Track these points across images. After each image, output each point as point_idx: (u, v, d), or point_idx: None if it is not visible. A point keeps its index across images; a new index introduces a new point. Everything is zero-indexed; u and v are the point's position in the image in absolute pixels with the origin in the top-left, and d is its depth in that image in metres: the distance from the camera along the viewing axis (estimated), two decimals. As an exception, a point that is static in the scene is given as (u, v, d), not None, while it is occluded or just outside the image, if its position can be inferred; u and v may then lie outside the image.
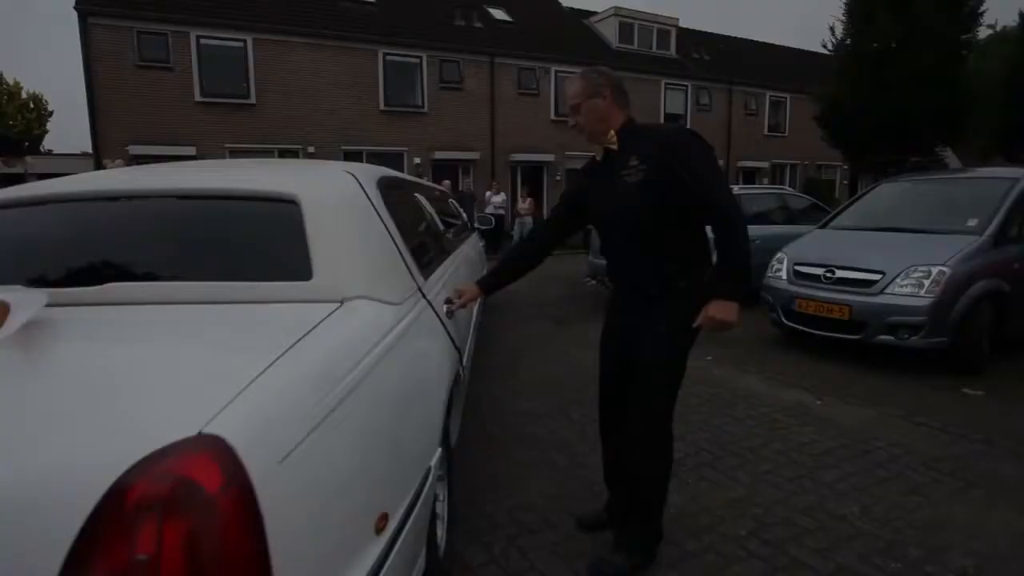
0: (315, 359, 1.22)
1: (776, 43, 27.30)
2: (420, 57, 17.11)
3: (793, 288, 4.98)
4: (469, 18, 18.97)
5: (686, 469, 2.83)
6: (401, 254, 1.96)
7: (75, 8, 13.02)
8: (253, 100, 15.14)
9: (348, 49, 16.10)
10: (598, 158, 2.08)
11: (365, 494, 1.18)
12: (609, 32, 21.50)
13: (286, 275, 1.61)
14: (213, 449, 0.89)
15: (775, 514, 2.46)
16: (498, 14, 19.96)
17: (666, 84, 21.34)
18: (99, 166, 12.87)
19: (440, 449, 1.65)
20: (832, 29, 14.59)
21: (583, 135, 2.04)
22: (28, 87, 22.17)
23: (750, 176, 23.27)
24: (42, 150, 21.99)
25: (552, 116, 18.95)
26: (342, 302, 1.59)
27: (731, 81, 22.54)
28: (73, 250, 1.69)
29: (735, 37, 26.10)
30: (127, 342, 1.33)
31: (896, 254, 4.46)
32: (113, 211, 1.77)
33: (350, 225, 1.77)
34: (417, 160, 17.32)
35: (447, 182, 12.96)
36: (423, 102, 17.32)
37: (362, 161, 16.08)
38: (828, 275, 4.74)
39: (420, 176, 16.24)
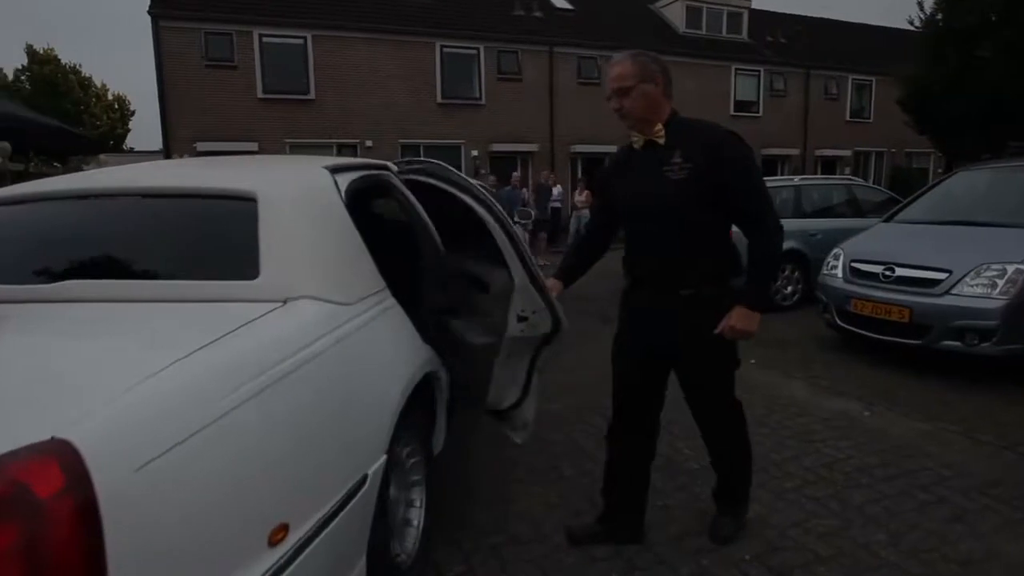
0: (217, 363, 1.19)
1: (859, 22, 25.56)
2: (477, 48, 17.15)
3: (849, 287, 4.61)
4: (528, 7, 18.83)
5: (700, 483, 2.65)
6: (371, 252, 1.92)
7: (148, 12, 13.89)
8: (312, 96, 15.65)
9: (405, 43, 16.35)
10: (636, 146, 2.01)
11: (256, 504, 1.14)
12: (676, 17, 20.78)
13: (234, 274, 1.60)
14: (59, 454, 0.87)
15: (789, 537, 2.26)
16: (558, 2, 19.70)
17: (736, 70, 20.43)
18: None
19: (385, 456, 1.58)
20: (920, 4, 13.50)
21: (627, 121, 1.96)
22: (113, 88, 23.95)
23: (830, 165, 21.94)
24: (124, 148, 23.71)
25: (260, 93, 17.30)
26: (285, 302, 1.56)
27: (809, 64, 21.31)
28: (41, 248, 1.75)
29: (813, 17, 24.62)
30: (40, 341, 1.34)
31: (966, 251, 4.04)
32: (81, 210, 1.82)
33: (306, 223, 1.74)
34: (475, 153, 17.41)
35: (492, 177, 12.90)
36: (480, 94, 17.37)
37: (419, 155, 16.42)
38: (887, 273, 4.35)
39: (478, 169, 16.37)
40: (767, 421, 3.39)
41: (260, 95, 15.19)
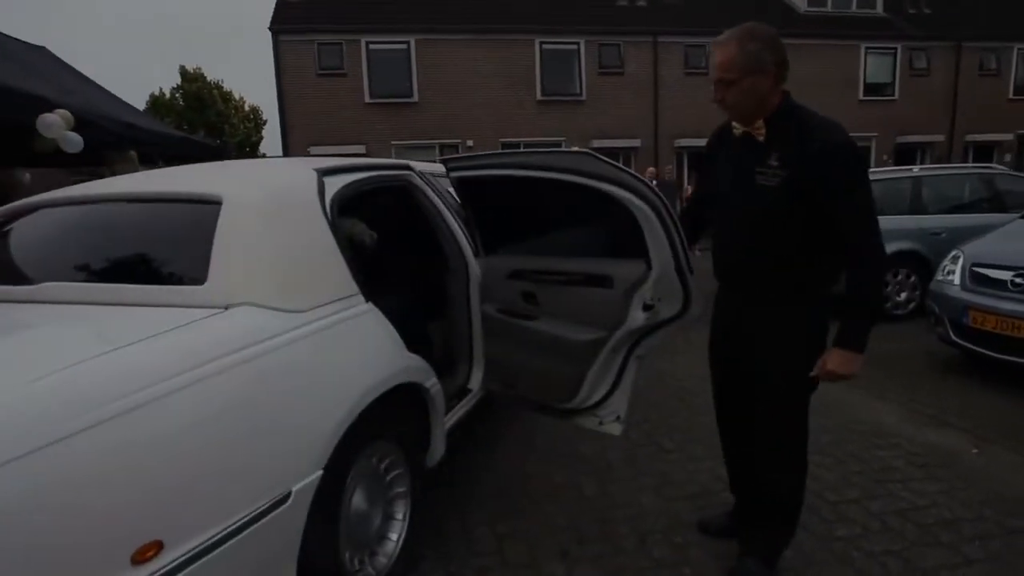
0: (110, 370, 1.17)
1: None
2: (578, 43, 16.92)
3: (967, 296, 3.93)
4: (633, -3, 18.26)
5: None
6: (345, 259, 1.86)
7: (269, 29, 15.10)
8: (416, 99, 16.23)
9: (505, 41, 16.48)
10: (736, 132, 1.82)
11: (119, 517, 1.10)
12: (797, -6, 19.20)
13: (184, 278, 1.61)
14: None
15: (823, 599, 1.92)
16: (665, -11, 18.92)
17: (867, 49, 18.46)
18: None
19: (320, 472, 1.51)
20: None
21: (729, 113, 1.77)
22: (249, 100, 26.48)
23: (985, 152, 19.19)
24: (258, 154, 26.09)
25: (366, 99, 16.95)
26: (226, 308, 1.54)
27: (959, 36, 18.77)
28: (37, 252, 1.88)
29: (970, -18, 21.63)
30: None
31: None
32: (73, 216, 1.94)
33: (266, 227, 1.71)
34: (575, 149, 17.19)
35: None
36: (581, 89, 17.13)
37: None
38: (1017, 281, 3.65)
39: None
40: (834, 450, 2.95)
41: (367, 100, 16.00)
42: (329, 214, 1.95)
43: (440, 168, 2.89)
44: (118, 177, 2.25)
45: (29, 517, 0.99)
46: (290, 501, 1.42)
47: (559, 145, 17.08)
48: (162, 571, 1.13)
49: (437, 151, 16.63)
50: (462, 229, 2.82)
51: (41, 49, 8.43)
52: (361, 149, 15.86)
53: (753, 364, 1.88)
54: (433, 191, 2.83)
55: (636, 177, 2.18)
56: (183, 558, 1.17)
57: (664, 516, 2.42)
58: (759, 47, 1.63)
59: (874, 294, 1.71)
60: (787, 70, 1.69)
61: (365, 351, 1.77)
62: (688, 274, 2.03)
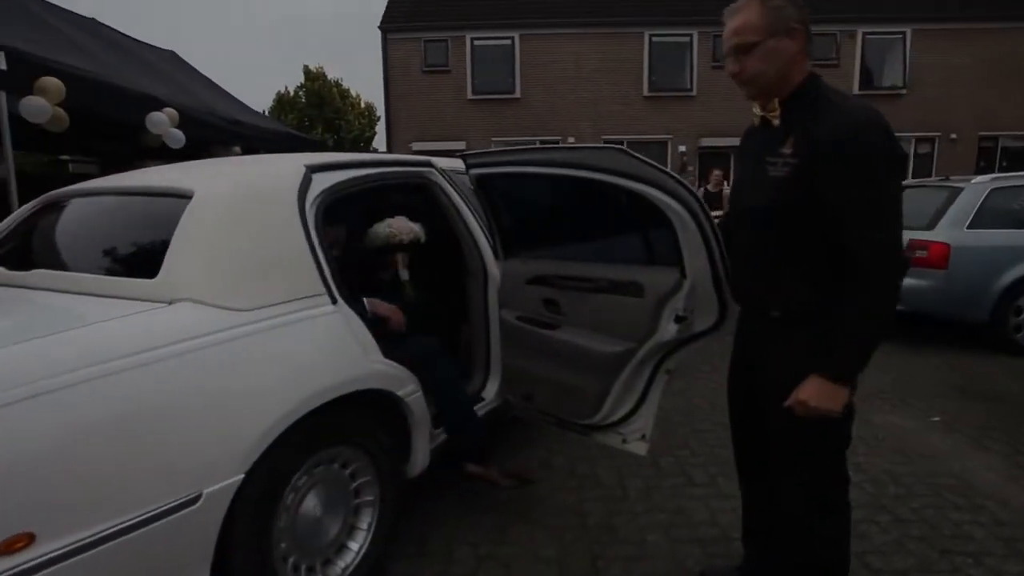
0: (17, 358, 1.23)
1: None
2: (691, 35, 16.22)
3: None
4: (756, -17, 17.15)
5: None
6: (317, 259, 1.85)
7: (379, 27, 15.85)
8: (518, 94, 16.34)
9: (611, 35, 16.15)
10: (755, 121, 1.62)
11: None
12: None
13: (141, 271, 1.65)
14: None
15: None
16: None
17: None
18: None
19: (242, 476, 1.49)
20: None
21: (747, 90, 1.52)
22: (365, 97, 28.03)
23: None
24: (371, 149, 27.54)
25: (856, 89, 16.06)
26: (170, 303, 1.57)
27: None
28: (44, 240, 2.03)
29: None
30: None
31: None
32: (78, 207, 2.08)
33: (228, 223, 1.73)
34: (682, 148, 16.53)
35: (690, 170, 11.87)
36: (692, 84, 16.42)
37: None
38: None
39: (685, 166, 15.45)
40: (896, 505, 2.53)
41: (470, 96, 16.33)
42: (308, 211, 1.95)
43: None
44: (134, 171, 2.40)
45: None
46: (200, 503, 1.41)
47: (665, 144, 16.53)
48: (31, 564, 1.16)
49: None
50: (483, 230, 2.75)
51: (169, 53, 9.39)
52: (461, 145, 16.21)
53: (765, 398, 1.61)
54: (456, 190, 2.77)
55: (674, 178, 2.02)
56: (58, 552, 1.19)
57: (666, 561, 2.20)
58: (783, 3, 1.42)
59: (872, 311, 1.36)
60: (811, 39, 1.47)
61: (313, 354, 1.73)
62: (725, 285, 1.87)
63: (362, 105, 28.24)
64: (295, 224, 1.87)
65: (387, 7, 16.50)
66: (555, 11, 16.25)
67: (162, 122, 6.06)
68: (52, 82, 4.80)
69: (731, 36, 1.48)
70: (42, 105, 4.72)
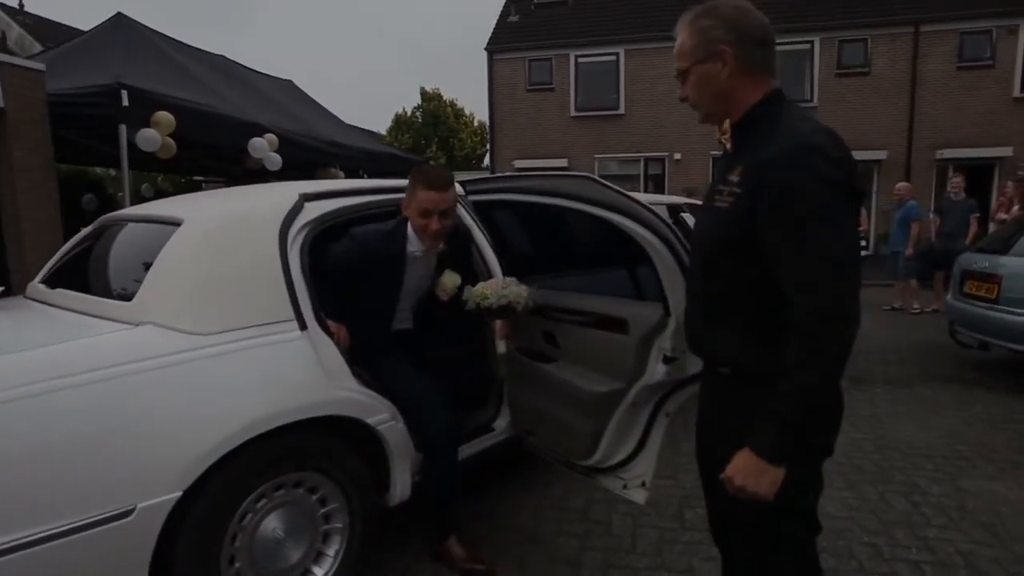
0: None
1: None
2: (811, 41, 15.17)
3: None
4: (892, -19, 15.75)
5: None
6: (290, 285, 1.92)
7: (485, 49, 16.37)
8: (622, 111, 16.12)
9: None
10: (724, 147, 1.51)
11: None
12: None
13: (122, 294, 1.82)
14: None
15: None
16: (938, -33, 15.96)
17: None
18: (492, 179, 15.96)
19: (179, 493, 1.57)
20: None
21: (698, 114, 1.39)
22: (478, 116, 29.05)
23: None
24: (483, 167, 28.43)
25: (1017, 92, 14.20)
26: (137, 324, 1.71)
27: None
28: (77, 260, 2.29)
29: None
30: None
31: None
32: (114, 232, 2.31)
33: (202, 250, 1.85)
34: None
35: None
36: (811, 94, 15.33)
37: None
38: None
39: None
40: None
41: (573, 113, 16.37)
42: (292, 239, 2.03)
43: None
44: (169, 199, 2.65)
45: None
46: (132, 517, 1.50)
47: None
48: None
49: (642, 164, 16.34)
50: (496, 257, 2.73)
51: (286, 83, 10.30)
52: (564, 163, 16.29)
53: (715, 465, 1.33)
54: (470, 215, 2.78)
55: (644, 207, 1.92)
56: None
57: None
58: (711, 23, 1.26)
59: (804, 384, 1.12)
60: (762, 57, 1.27)
61: (265, 379, 1.79)
62: None
63: (475, 124, 29.27)
64: (271, 252, 1.95)
65: (494, 29, 17.01)
66: (662, 24, 15.89)
67: (262, 147, 6.65)
68: (164, 116, 5.44)
69: (674, 58, 1.35)
70: (154, 136, 5.35)
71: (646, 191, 15.93)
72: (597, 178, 2.06)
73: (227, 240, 1.90)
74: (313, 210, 2.16)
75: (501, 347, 2.43)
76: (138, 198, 11.19)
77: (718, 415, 1.40)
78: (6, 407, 1.39)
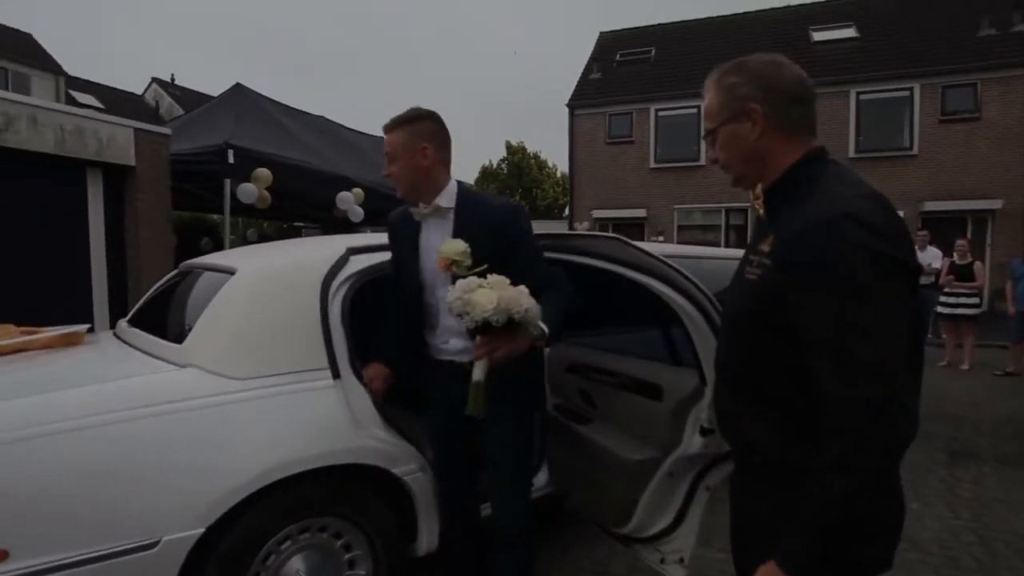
0: (25, 405, 1.58)
1: None
2: (911, 88, 14.38)
3: None
4: (1005, 24, 14.70)
5: None
6: (328, 335, 2.00)
7: (567, 105, 16.76)
8: (702, 161, 15.84)
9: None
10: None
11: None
12: None
13: (178, 337, 1.96)
14: None
15: None
16: (1056, 8, 14.77)
17: None
18: (570, 228, 16.06)
19: (203, 530, 1.64)
20: None
21: (729, 176, 1.30)
22: (561, 167, 29.64)
23: None
24: (564, 217, 28.78)
25: None
26: (183, 367, 1.83)
27: None
28: (153, 302, 2.51)
29: None
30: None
31: None
32: (186, 277, 2.54)
33: (247, 298, 1.97)
34: (900, 213, 14.46)
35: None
36: (911, 142, 14.45)
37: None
38: None
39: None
40: None
41: (652, 165, 16.28)
42: (334, 291, 2.12)
43: None
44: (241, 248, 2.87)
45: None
46: (157, 548, 1.58)
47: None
48: (4, 576, 1.40)
49: (723, 215, 15.89)
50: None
51: (378, 138, 10.97)
52: (642, 213, 16.16)
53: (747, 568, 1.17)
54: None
55: (675, 269, 1.85)
56: (27, 571, 1.42)
57: None
58: (738, 80, 1.15)
59: (833, 492, 0.95)
60: (798, 113, 1.15)
61: (295, 424, 1.85)
62: None
63: (557, 175, 29.81)
64: (312, 303, 2.04)
65: (576, 86, 17.41)
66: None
67: (348, 200, 7.08)
68: (262, 172, 5.94)
69: (704, 118, 1.28)
70: (251, 189, 5.85)
71: (727, 242, 15.42)
72: (627, 240, 2.00)
73: (272, 290, 2.01)
74: (357, 263, 2.25)
75: (478, 372, 1.65)
76: (244, 241, 12.27)
77: (747, 512, 1.25)
78: (56, 438, 1.52)
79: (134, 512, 1.58)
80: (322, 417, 1.92)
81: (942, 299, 7.68)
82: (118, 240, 5.50)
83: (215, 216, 12.98)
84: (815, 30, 16.50)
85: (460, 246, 1.72)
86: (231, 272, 2.09)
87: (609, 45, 18.93)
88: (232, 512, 1.70)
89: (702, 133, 1.29)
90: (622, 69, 17.75)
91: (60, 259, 5.00)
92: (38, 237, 4.76)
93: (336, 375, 1.99)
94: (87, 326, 2.38)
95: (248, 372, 1.84)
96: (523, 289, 1.61)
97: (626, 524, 2.15)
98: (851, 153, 14.75)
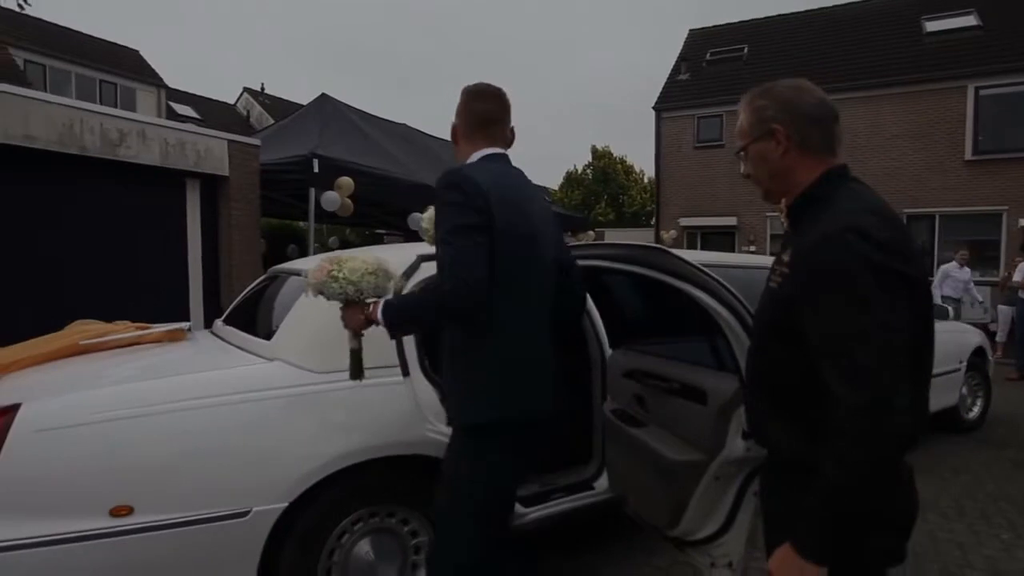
0: (145, 388, 1.89)
1: None
2: (1036, 83, 13.27)
3: None
4: None
5: None
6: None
7: (653, 108, 16.64)
8: (798, 166, 15.29)
9: (922, 93, 14.14)
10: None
11: (108, 482, 1.74)
12: None
13: (268, 334, 2.27)
14: (8, 410, 1.72)
15: None
16: None
17: None
18: (657, 236, 15.88)
19: (286, 504, 1.89)
20: None
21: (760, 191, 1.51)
22: (649, 172, 29.27)
23: None
24: (651, 224, 28.41)
25: None
26: (271, 360, 2.12)
27: None
28: (246, 303, 2.86)
29: None
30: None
31: None
32: (275, 281, 2.86)
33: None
34: (1022, 222, 13.39)
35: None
36: (1038, 140, 13.30)
37: (934, 228, 13.69)
38: None
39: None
40: None
41: (743, 170, 15.83)
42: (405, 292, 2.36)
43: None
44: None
45: (55, 458, 1.71)
46: (248, 517, 1.86)
47: (998, 217, 13.55)
48: (129, 528, 1.71)
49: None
50: (601, 319, 2.86)
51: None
52: (732, 220, 15.77)
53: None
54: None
55: (712, 277, 1.97)
56: (147, 524, 1.74)
57: None
58: (765, 103, 1.32)
59: (838, 484, 1.08)
60: (820, 135, 1.30)
61: (363, 416, 2.08)
62: None
63: (645, 180, 29.50)
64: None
65: (663, 88, 17.24)
66: (848, 73, 14.99)
67: (418, 220, 7.47)
68: (345, 180, 6.40)
69: (736, 136, 1.45)
70: (335, 198, 6.31)
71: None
72: (669, 250, 2.14)
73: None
74: (427, 270, 2.48)
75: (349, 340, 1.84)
76: (326, 247, 13.10)
77: (772, 510, 1.38)
78: (170, 416, 1.83)
79: (230, 483, 1.86)
80: (391, 410, 2.15)
81: None
82: (212, 245, 6.11)
83: (301, 223, 13.96)
84: (929, 19, 15.53)
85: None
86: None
87: (699, 43, 18.62)
88: (311, 491, 1.95)
89: (736, 150, 1.45)
90: (712, 68, 17.43)
91: (163, 262, 5.62)
92: (144, 241, 5.38)
93: (405, 373, 2.22)
94: (189, 324, 2.75)
95: (327, 366, 2.09)
96: (367, 264, 1.79)
97: (676, 526, 2.23)
98: (968, 155, 13.77)
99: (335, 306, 2.21)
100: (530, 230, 1.72)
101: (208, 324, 4.93)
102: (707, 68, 17.51)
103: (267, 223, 10.50)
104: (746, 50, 17.44)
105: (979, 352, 5.30)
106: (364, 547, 2.15)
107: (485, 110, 1.81)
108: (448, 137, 1.93)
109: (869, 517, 1.14)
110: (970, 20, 15.06)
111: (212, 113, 25.27)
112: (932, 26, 15.38)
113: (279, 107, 30.94)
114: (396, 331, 1.71)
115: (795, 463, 1.25)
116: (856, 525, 1.11)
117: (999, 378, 6.41)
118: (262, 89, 32.53)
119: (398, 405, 2.16)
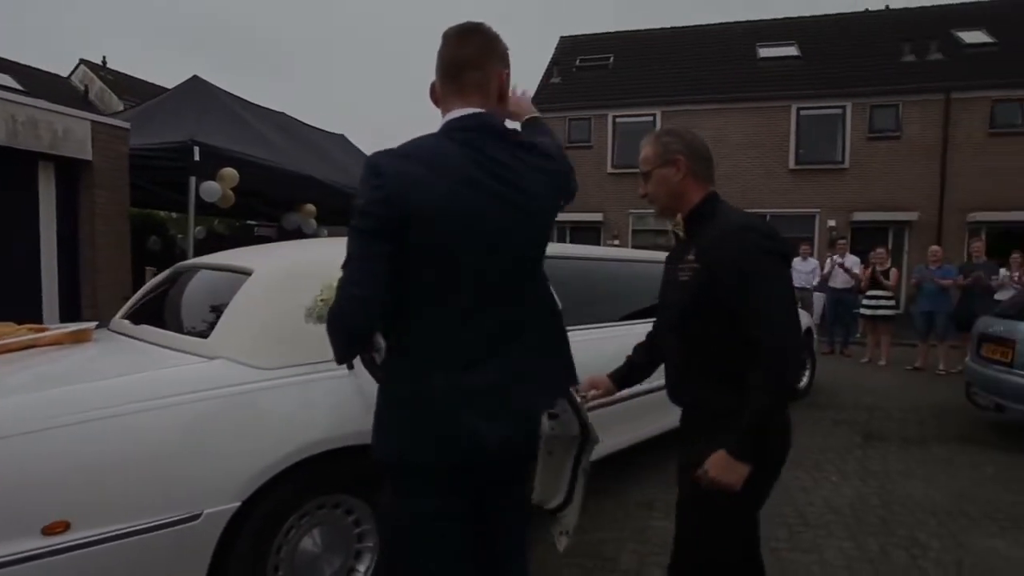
0: (76, 393, 1.73)
1: None
2: (843, 107, 15.44)
3: None
4: (923, 51, 16.00)
5: None
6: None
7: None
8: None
9: (756, 109, 15.89)
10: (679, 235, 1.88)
11: (38, 498, 1.57)
12: None
13: (202, 332, 2.14)
14: None
15: None
16: (971, 36, 16.17)
17: None
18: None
19: (238, 504, 1.83)
20: None
21: (653, 208, 1.80)
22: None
23: None
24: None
25: None
26: (212, 359, 2.02)
27: None
28: (157, 301, 2.67)
29: None
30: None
31: None
32: (190, 276, 2.69)
33: (269, 296, 2.16)
34: (831, 223, 15.53)
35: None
36: (843, 157, 15.49)
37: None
38: None
39: (834, 241, 14.42)
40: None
41: (609, 170, 16.83)
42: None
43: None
44: (239, 249, 3.03)
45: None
46: (200, 520, 1.77)
47: (812, 218, 15.61)
48: (65, 545, 1.56)
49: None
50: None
51: (339, 136, 10.98)
52: (599, 216, 16.68)
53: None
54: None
55: None
56: (86, 539, 1.59)
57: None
58: (671, 140, 1.72)
59: (762, 403, 1.48)
60: (706, 167, 1.71)
61: (314, 410, 2.05)
62: (573, 393, 1.69)
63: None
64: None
65: (537, 89, 17.75)
66: (698, 88, 16.44)
67: (294, 221, 7.24)
68: (229, 171, 5.98)
69: (639, 164, 1.78)
70: (215, 188, 5.89)
71: (677, 246, 16.08)
72: None
73: (290, 288, 2.20)
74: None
75: None
76: (193, 239, 12.02)
77: (694, 450, 1.63)
78: (109, 422, 1.69)
79: (179, 488, 1.76)
80: (338, 404, 2.13)
81: (864, 302, 8.69)
82: (71, 236, 5.43)
83: (162, 213, 12.66)
84: (762, 46, 17.45)
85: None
86: (247, 272, 2.27)
87: (569, 49, 19.41)
88: (262, 489, 1.90)
89: (639, 174, 1.77)
90: (582, 74, 18.25)
91: (9, 254, 4.91)
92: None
93: (350, 367, 2.21)
94: (96, 323, 2.50)
95: (274, 363, 2.03)
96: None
97: (533, 494, 2.29)
98: (791, 164, 15.71)
99: (278, 303, 2.16)
100: (478, 227, 1.29)
101: (65, 321, 4.41)
102: (577, 73, 18.31)
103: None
104: (611, 59, 18.47)
105: (808, 332, 6.39)
106: (310, 540, 2.12)
107: (453, 56, 1.37)
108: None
109: (772, 430, 1.52)
110: (792, 50, 17.13)
111: (40, 85, 21.68)
112: (764, 52, 17.30)
113: (127, 84, 27.66)
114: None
115: (723, 411, 1.56)
116: (766, 434, 1.50)
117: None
118: (103, 63, 28.90)
119: (346, 399, 2.15)
